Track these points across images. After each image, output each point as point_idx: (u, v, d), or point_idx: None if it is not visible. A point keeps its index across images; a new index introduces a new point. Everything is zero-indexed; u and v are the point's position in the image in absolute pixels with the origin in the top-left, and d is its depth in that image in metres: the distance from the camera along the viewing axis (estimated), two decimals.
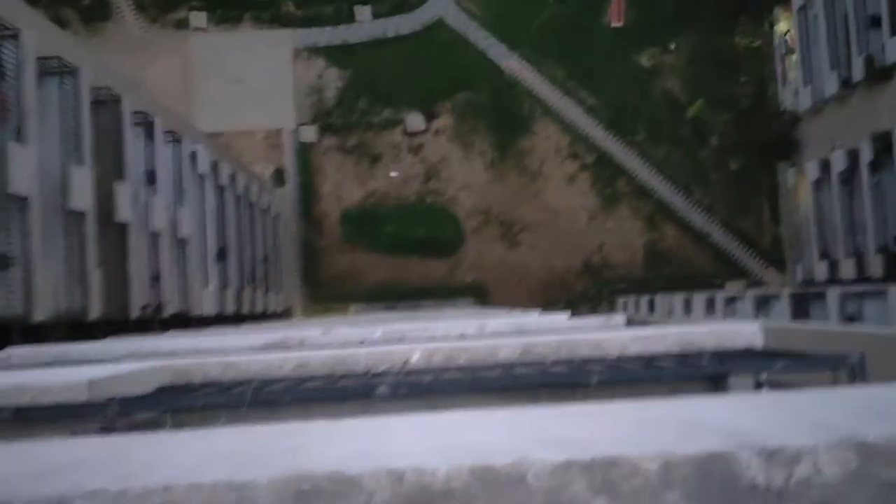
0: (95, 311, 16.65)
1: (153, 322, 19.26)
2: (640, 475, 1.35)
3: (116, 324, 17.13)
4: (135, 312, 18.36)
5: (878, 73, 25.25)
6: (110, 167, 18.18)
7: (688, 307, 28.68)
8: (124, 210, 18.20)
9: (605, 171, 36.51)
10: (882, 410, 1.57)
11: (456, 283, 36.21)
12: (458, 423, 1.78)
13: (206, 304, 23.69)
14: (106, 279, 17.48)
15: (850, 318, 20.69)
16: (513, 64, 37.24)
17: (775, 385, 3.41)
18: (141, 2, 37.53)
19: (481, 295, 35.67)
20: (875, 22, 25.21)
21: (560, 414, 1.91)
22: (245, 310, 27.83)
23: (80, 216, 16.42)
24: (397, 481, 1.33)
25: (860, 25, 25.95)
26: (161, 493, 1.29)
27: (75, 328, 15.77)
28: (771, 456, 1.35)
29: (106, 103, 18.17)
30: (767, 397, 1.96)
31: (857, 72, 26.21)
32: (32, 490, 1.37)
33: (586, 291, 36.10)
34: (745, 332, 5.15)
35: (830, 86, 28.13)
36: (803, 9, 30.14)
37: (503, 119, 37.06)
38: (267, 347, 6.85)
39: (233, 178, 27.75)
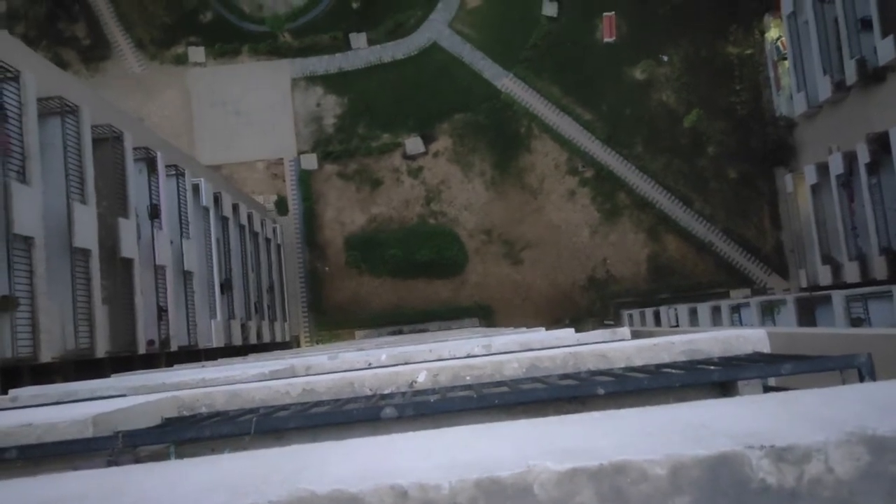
0: (102, 348, 16.64)
1: (160, 356, 19.22)
2: (648, 480, 1.33)
3: (124, 360, 17.10)
4: (142, 347, 18.34)
5: (870, 74, 25.32)
6: (114, 203, 18.27)
7: (694, 317, 28.60)
8: (129, 245, 18.25)
9: (604, 185, 36.55)
10: (890, 404, 1.55)
11: (461, 304, 36.14)
12: (462, 438, 1.76)
13: (213, 336, 23.65)
14: (112, 315, 17.48)
15: (857, 321, 20.61)
16: (508, 83, 37.46)
17: (784, 390, 3.37)
18: (140, 40, 37.92)
19: (487, 314, 35.58)
20: (865, 24, 25.33)
21: (565, 423, 1.88)
22: (252, 340, 27.79)
23: (84, 253, 16.47)
24: (401, 498, 1.31)
25: (851, 28, 26.05)
26: None
27: (83, 366, 15.74)
28: (780, 455, 1.33)
29: (108, 140, 18.31)
30: (774, 398, 1.93)
31: (850, 75, 26.27)
32: None
33: (592, 306, 35.99)
34: (751, 337, 5.11)
35: (824, 90, 28.20)
36: (793, 15, 30.29)
37: (501, 138, 37.21)
38: (274, 375, 6.82)
39: (235, 209, 27.85)
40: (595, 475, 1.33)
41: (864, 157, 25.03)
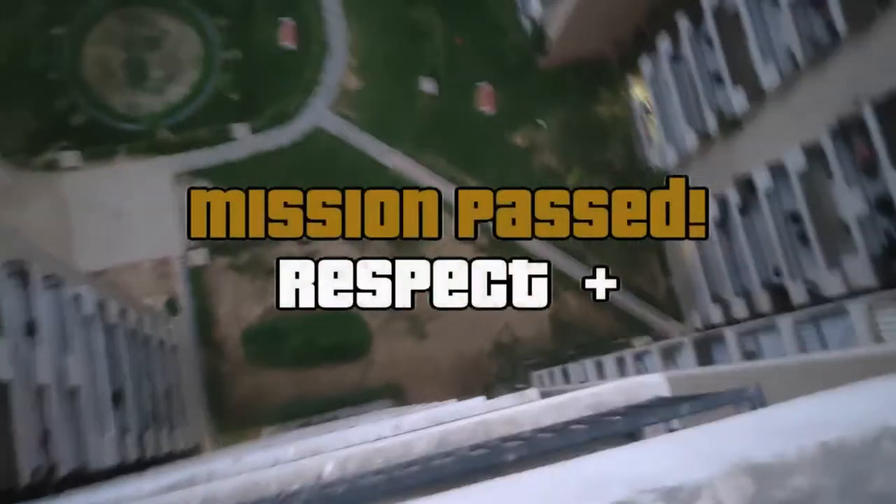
0: None
1: (47, 485, 17.74)
2: None
3: (4, 493, 15.69)
4: (25, 478, 16.88)
5: (728, 123, 27.27)
6: None
7: (601, 370, 29.18)
8: (3, 368, 17.00)
9: (499, 250, 37.22)
10: (770, 430, 1.56)
11: (370, 386, 35.48)
12: None
13: (106, 455, 22.11)
14: None
15: (750, 354, 21.60)
16: (396, 159, 38.02)
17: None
18: (7, 148, 36.29)
19: (397, 394, 35.05)
20: (717, 78, 27.41)
21: (468, 496, 1.81)
22: (149, 454, 26.16)
23: None
24: None
25: (705, 82, 28.11)
26: None
27: None
28: (672, 496, 1.30)
29: None
30: (667, 438, 1.93)
31: (712, 125, 28.20)
32: None
33: (501, 371, 36.12)
34: (651, 383, 5.21)
35: (691, 141, 30.09)
36: (653, 74, 32.44)
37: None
38: (171, 488, 6.40)
39: (123, 314, 26.58)
40: None
41: (735, 199, 26.71)
